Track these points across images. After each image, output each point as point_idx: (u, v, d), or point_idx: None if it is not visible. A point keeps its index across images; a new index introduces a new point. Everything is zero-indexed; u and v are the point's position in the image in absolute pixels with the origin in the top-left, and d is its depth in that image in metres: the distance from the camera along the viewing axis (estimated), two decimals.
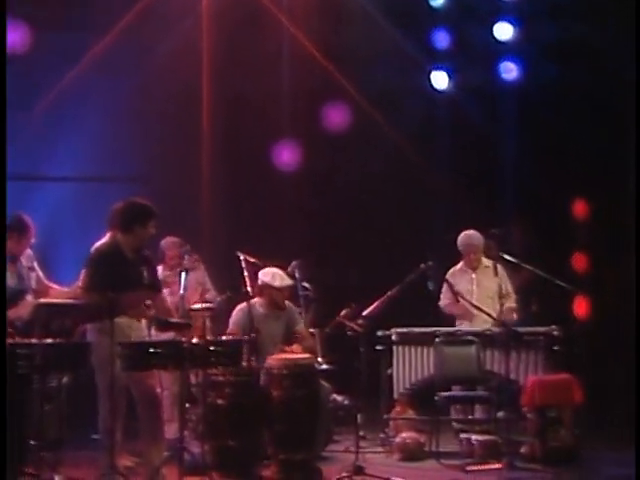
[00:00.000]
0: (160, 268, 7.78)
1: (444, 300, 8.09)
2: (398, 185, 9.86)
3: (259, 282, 7.22)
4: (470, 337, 7.64)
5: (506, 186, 9.64)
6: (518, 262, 7.69)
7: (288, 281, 7.34)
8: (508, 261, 7.68)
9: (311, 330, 7.91)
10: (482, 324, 7.84)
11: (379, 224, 9.76)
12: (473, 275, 8.06)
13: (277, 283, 7.26)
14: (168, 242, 8.02)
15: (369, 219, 9.82)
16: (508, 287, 7.93)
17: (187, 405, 6.65)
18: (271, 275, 7.27)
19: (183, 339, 6.09)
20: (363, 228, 9.82)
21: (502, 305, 7.48)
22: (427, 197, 9.96)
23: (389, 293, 7.66)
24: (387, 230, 9.71)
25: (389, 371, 7.76)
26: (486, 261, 7.99)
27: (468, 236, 8.05)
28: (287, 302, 7.49)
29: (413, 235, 9.45)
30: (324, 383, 7.14)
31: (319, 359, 7.66)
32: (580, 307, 8.50)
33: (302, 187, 9.94)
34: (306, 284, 8.10)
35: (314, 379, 6.88)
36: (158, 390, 6.41)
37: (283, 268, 7.59)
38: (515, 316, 7.88)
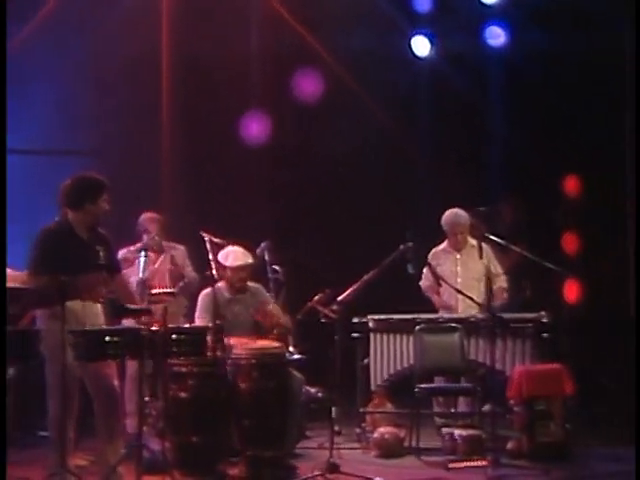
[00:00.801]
0: (138, 246, 7.74)
1: (425, 282, 8.12)
2: (376, 159, 9.88)
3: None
4: (453, 324, 7.65)
5: (493, 161, 9.66)
6: (504, 243, 7.71)
7: (244, 260, 7.30)
8: (494, 242, 7.70)
9: None
10: (467, 309, 7.88)
11: (356, 202, 9.77)
12: (458, 256, 8.09)
13: (229, 262, 7.27)
14: (147, 218, 7.96)
15: (345, 196, 9.82)
16: (497, 268, 7.98)
17: (146, 398, 6.65)
18: (225, 254, 7.27)
19: (142, 327, 6.06)
20: (339, 206, 9.84)
21: (491, 286, 7.46)
22: (408, 172, 9.96)
23: (366, 277, 7.62)
24: (365, 208, 9.72)
25: (366, 361, 7.77)
26: (472, 241, 8.02)
27: (455, 214, 8.05)
28: (254, 284, 7.47)
29: (392, 214, 9.45)
30: (296, 374, 7.16)
31: (290, 348, 7.70)
32: (571, 291, 8.52)
33: (272, 161, 9.93)
34: (276, 267, 8.12)
35: (285, 370, 6.90)
36: (116, 382, 6.30)
37: (251, 249, 7.60)
38: (506, 296, 7.90)
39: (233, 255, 7.28)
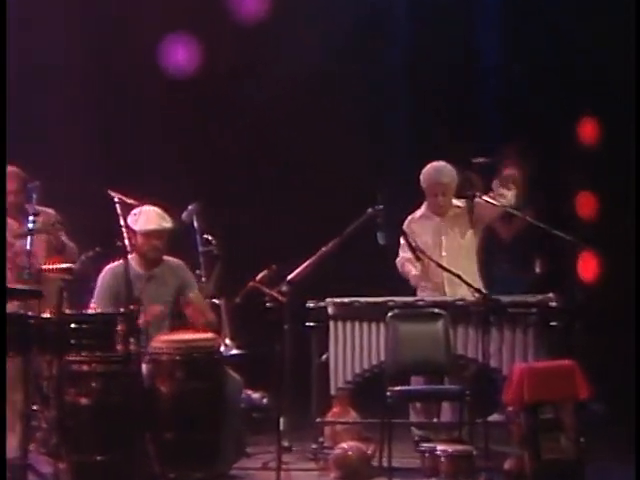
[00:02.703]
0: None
1: (402, 259, 8.05)
2: (339, 97, 9.86)
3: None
4: (436, 310, 7.60)
5: (486, 100, 9.69)
6: (500, 205, 7.74)
7: (157, 223, 7.23)
8: (490, 205, 7.73)
9: (215, 300, 7.95)
10: (454, 291, 7.85)
11: (313, 152, 9.71)
12: (441, 223, 8.04)
13: (139, 226, 7.20)
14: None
15: (298, 144, 9.77)
16: None
17: (34, 407, 6.61)
18: (136, 215, 7.22)
19: (30, 313, 6.20)
20: (290, 158, 9.79)
21: None
22: (379, 114, 9.91)
23: (324, 249, 7.62)
24: (324, 161, 9.67)
25: (324, 357, 7.77)
26: (459, 205, 8.00)
27: (435, 169, 7.98)
28: (174, 260, 7.38)
29: (359, 168, 9.43)
30: (233, 374, 7.11)
31: (226, 341, 7.78)
32: (587, 268, 8.51)
33: (203, 98, 9.84)
34: (208, 236, 8.08)
35: (219, 369, 6.89)
36: None
37: (175, 214, 7.55)
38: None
39: (145, 217, 7.21)
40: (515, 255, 8.19)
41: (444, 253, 7.96)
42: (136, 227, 7.18)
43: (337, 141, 9.74)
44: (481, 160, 8.06)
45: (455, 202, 8.02)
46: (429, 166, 8.01)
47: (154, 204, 7.32)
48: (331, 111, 9.78)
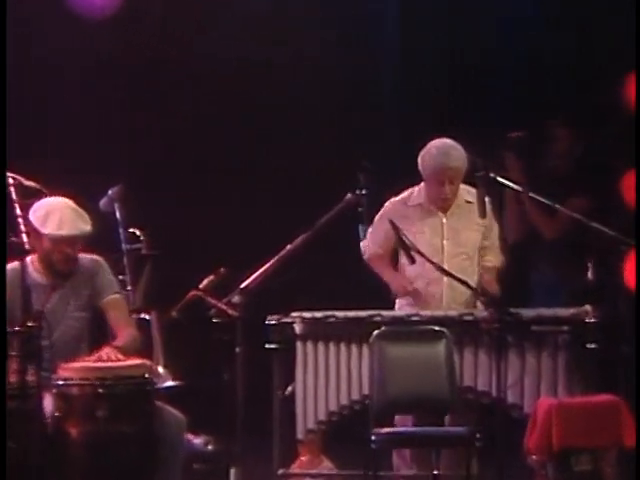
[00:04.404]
0: None
1: (371, 247, 7.90)
2: (314, 55, 9.88)
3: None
4: (436, 327, 7.53)
5: (521, 60, 9.73)
6: (526, 192, 7.84)
7: (73, 227, 6.98)
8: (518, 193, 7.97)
9: (144, 315, 7.96)
10: (457, 301, 7.82)
11: (273, 120, 9.83)
12: (444, 219, 7.94)
13: (49, 229, 6.94)
14: None
15: (256, 112, 9.86)
16: (494, 237, 8.05)
17: None
18: (44, 213, 6.99)
19: None
20: (244, 128, 9.87)
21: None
22: (364, 79, 9.95)
23: (289, 247, 7.63)
24: (288, 131, 9.77)
25: (289, 390, 7.76)
26: (467, 194, 7.94)
27: (441, 150, 7.87)
28: (88, 258, 7.15)
29: (335, 141, 9.50)
30: (171, 412, 6.96)
31: (159, 368, 7.81)
32: (634, 273, 8.38)
33: (129, 48, 9.84)
34: (135, 230, 8.14)
35: (150, 405, 6.78)
36: None
37: (90, 201, 7.46)
38: (495, 284, 7.96)
39: (57, 216, 6.95)
40: (561, 258, 8.07)
41: (445, 265, 7.78)
42: (44, 230, 6.92)
43: (306, 107, 9.79)
44: (518, 135, 8.10)
45: (466, 193, 7.88)
46: (431, 146, 7.85)
47: (63, 193, 7.08)
48: (298, 67, 9.82)
